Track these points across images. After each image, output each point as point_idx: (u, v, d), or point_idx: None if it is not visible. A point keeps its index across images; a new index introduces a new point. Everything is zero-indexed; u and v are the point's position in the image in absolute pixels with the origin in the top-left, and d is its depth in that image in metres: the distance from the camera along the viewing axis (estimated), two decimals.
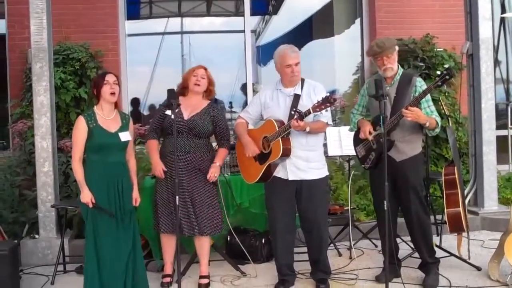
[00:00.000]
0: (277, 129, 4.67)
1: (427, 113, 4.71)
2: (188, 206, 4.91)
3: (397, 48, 4.84)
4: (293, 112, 4.65)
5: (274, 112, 4.83)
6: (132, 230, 4.48)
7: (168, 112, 4.76)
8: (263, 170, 4.82)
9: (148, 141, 5.14)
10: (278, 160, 4.73)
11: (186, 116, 4.98)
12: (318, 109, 4.51)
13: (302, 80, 4.89)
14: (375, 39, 5.23)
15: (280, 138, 4.66)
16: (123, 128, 4.47)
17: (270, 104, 4.89)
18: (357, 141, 5.05)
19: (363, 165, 5.04)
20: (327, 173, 4.96)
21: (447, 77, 4.43)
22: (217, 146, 5.21)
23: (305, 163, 4.77)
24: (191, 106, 5.04)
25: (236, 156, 5.53)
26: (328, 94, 4.54)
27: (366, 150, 4.92)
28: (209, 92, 5.15)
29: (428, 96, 4.72)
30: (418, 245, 4.97)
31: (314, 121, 4.72)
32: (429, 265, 4.93)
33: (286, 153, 4.70)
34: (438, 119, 4.74)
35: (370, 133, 4.79)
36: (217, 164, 5.02)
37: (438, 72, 4.55)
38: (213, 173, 4.97)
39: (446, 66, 4.59)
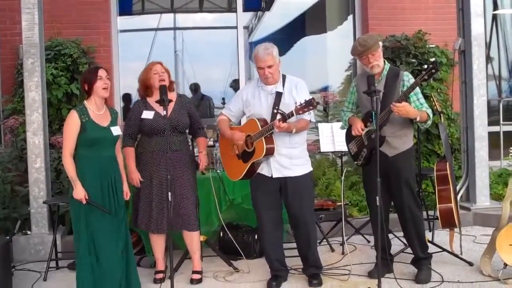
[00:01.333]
0: (260, 129, 4.66)
1: (416, 106, 4.71)
2: (173, 203, 4.86)
3: (381, 44, 4.82)
4: (275, 111, 4.65)
5: (256, 110, 4.82)
6: (124, 225, 4.47)
7: (145, 115, 4.84)
8: (247, 168, 4.82)
9: (125, 148, 5.01)
10: (262, 158, 4.74)
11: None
12: (301, 112, 4.48)
13: (284, 77, 4.86)
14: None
15: (263, 137, 4.65)
16: (113, 122, 4.45)
17: (252, 102, 4.86)
18: (349, 138, 5.05)
19: (355, 162, 5.04)
20: (311, 169, 4.95)
21: (433, 71, 4.46)
22: (195, 137, 5.23)
23: (288, 160, 4.77)
24: None
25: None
26: (311, 97, 4.51)
27: (358, 147, 4.93)
28: (171, 84, 5.07)
29: (417, 89, 4.73)
30: (410, 240, 4.97)
31: (297, 121, 4.69)
32: (421, 260, 4.94)
33: (270, 152, 4.70)
34: (429, 111, 4.74)
35: (362, 129, 4.80)
36: (204, 153, 5.08)
37: (425, 66, 4.57)
38: (204, 162, 5.05)
39: (432, 60, 4.60)
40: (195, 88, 9.19)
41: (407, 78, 4.78)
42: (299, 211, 4.82)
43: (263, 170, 4.81)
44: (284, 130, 4.54)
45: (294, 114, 4.50)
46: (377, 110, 4.45)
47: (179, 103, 5.05)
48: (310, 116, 4.76)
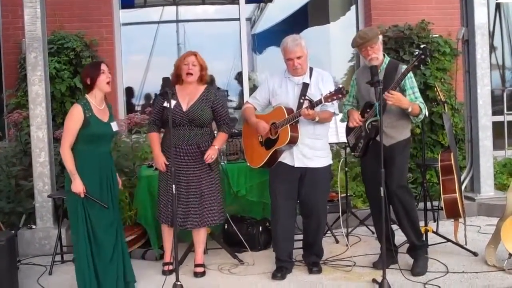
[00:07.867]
0: (286, 116, 4.72)
1: (411, 99, 4.73)
2: (191, 198, 4.90)
3: (380, 37, 4.87)
4: (302, 101, 4.72)
5: (283, 100, 4.87)
6: (118, 216, 4.53)
7: (167, 104, 4.74)
8: (268, 156, 4.88)
9: (149, 134, 5.08)
10: (285, 146, 4.79)
11: (184, 107, 4.92)
12: (329, 100, 4.56)
13: (311, 69, 4.91)
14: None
15: (288, 125, 4.70)
16: (111, 118, 4.47)
17: (279, 92, 4.92)
18: (348, 130, 5.09)
19: (353, 153, 5.08)
20: (331, 162, 5.01)
21: (422, 56, 4.49)
22: (216, 131, 5.15)
23: (311, 151, 4.82)
24: (189, 95, 4.98)
25: (232, 144, 5.55)
26: (341, 86, 4.57)
27: (356, 138, 4.97)
28: (201, 77, 5.05)
29: (414, 83, 4.78)
30: (404, 228, 4.95)
31: (322, 111, 4.76)
32: (417, 249, 4.93)
33: (293, 141, 4.75)
34: (423, 105, 4.75)
35: (360, 120, 4.81)
36: (215, 147, 4.95)
37: (416, 52, 4.57)
38: (210, 155, 4.88)
39: (422, 46, 4.61)
40: (210, 80, 9.14)
41: None
42: (314, 201, 4.89)
43: (285, 159, 4.87)
44: (310, 117, 4.61)
45: (323, 101, 4.57)
46: (380, 100, 4.47)
47: (203, 97, 5.00)
48: (334, 108, 4.84)
